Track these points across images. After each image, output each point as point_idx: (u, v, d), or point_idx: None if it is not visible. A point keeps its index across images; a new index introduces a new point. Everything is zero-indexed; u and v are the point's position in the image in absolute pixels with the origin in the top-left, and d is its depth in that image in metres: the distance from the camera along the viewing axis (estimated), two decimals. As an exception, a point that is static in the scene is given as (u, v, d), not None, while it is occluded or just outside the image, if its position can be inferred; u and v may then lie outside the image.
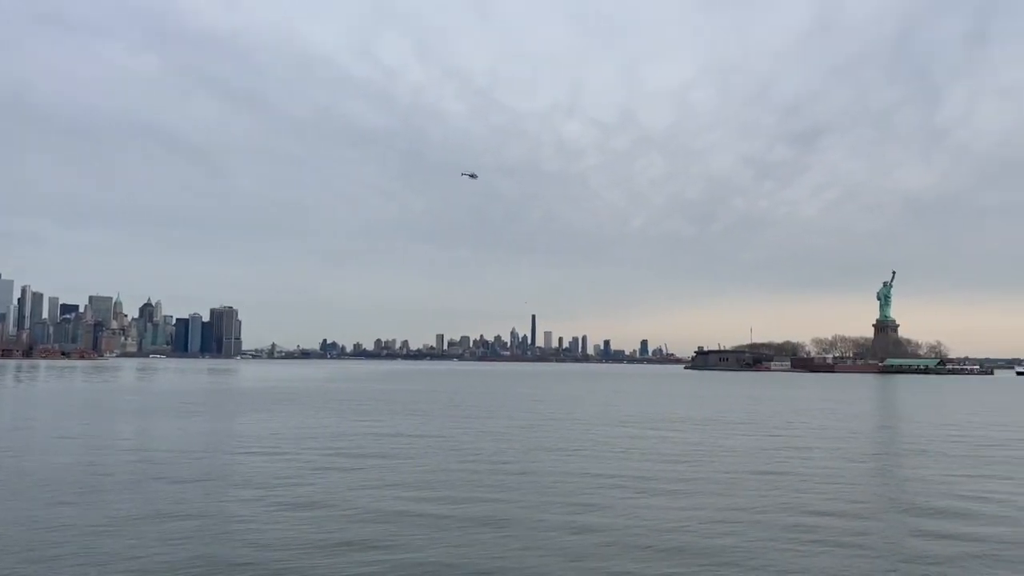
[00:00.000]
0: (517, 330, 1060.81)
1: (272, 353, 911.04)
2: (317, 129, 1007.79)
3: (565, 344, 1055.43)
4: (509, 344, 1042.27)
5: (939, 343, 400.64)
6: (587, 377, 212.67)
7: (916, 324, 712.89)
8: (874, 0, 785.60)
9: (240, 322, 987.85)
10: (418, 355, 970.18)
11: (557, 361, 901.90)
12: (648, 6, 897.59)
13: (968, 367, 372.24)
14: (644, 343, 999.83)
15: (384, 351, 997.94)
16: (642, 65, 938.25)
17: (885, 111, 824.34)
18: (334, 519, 22.38)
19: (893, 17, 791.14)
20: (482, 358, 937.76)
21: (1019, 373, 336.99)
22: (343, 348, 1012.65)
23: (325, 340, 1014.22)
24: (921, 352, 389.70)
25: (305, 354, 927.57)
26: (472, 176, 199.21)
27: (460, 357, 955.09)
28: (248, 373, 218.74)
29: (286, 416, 60.68)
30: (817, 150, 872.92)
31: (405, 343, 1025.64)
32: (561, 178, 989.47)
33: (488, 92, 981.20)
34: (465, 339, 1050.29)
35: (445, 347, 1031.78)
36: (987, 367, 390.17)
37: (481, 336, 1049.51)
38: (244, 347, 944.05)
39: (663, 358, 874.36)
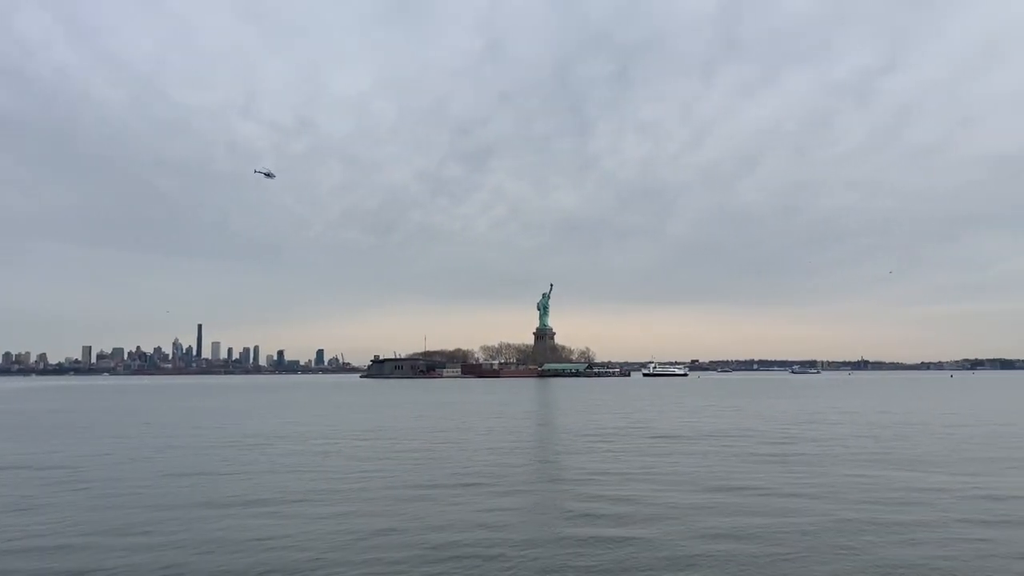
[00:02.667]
0: (181, 341, 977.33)
1: None
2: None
3: (235, 355, 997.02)
4: (171, 356, 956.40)
5: (588, 349, 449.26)
6: (257, 389, 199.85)
7: (570, 331, 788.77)
8: (536, 34, 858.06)
9: None
10: (60, 370, 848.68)
11: (226, 373, 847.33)
12: (327, 11, 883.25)
13: (611, 370, 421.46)
14: (320, 352, 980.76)
15: (16, 366, 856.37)
16: (321, 71, 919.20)
17: (545, 138, 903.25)
18: None
19: (552, 52, 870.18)
20: (139, 371, 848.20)
21: (645, 375, 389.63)
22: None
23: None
24: (573, 357, 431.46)
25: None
26: (268, 175, 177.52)
27: (112, 371, 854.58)
28: None
29: None
30: (487, 170, 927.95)
31: (43, 356, 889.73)
32: (235, 180, 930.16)
33: (151, 82, 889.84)
34: (119, 351, 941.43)
35: (94, 360, 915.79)
36: (626, 370, 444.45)
37: (138, 348, 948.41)
38: None
39: (339, 367, 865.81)
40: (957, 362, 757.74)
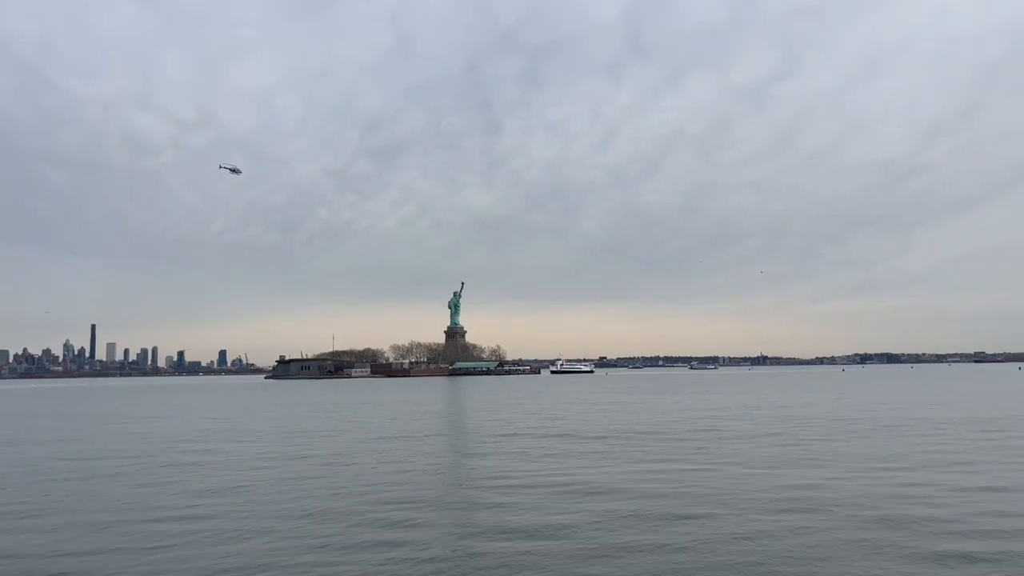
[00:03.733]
0: (72, 342, 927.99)
1: None
2: None
3: (132, 356, 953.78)
4: (62, 358, 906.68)
5: (499, 347, 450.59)
6: (155, 391, 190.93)
7: (481, 330, 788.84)
8: (446, 31, 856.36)
9: None
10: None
11: (122, 375, 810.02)
12: (229, 0, 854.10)
13: (522, 368, 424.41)
14: (223, 353, 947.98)
15: None
16: (223, 62, 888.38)
17: (455, 136, 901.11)
18: None
19: (462, 51, 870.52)
20: (26, 375, 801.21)
21: (553, 372, 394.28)
22: None
23: None
24: (484, 355, 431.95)
25: None
26: (234, 171, 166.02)
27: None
28: None
29: None
30: (396, 167, 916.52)
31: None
32: (129, 174, 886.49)
33: (37, 69, 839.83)
34: (3, 354, 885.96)
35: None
36: (536, 368, 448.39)
37: (25, 350, 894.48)
38: None
39: (243, 368, 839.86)
40: (848, 357, 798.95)
